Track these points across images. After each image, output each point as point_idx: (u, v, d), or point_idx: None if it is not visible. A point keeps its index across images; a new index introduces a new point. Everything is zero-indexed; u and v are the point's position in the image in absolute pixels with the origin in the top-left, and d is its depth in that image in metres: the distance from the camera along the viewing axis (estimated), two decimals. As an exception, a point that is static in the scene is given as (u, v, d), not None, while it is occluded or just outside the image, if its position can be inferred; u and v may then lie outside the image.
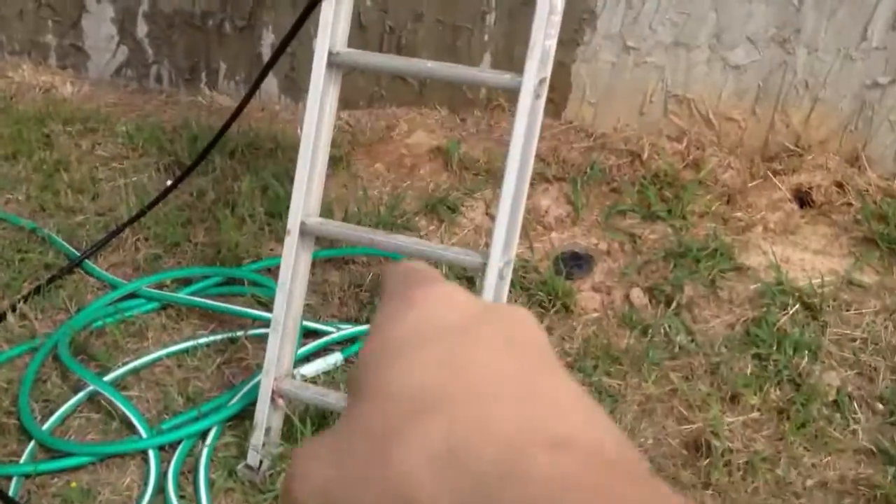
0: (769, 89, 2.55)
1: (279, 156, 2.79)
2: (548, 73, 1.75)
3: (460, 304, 0.31)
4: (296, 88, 3.08)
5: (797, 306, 2.10)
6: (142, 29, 3.23)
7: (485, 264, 1.70)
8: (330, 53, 1.83)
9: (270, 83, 3.12)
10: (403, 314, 0.30)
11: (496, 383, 0.28)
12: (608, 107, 2.72)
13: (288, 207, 2.48)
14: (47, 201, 2.50)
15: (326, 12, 1.83)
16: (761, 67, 2.54)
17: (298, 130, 3.06)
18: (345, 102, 2.97)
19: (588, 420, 0.28)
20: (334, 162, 2.65)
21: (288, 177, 2.68)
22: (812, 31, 2.45)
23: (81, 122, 2.94)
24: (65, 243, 2.32)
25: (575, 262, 2.39)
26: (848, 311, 2.10)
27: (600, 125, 2.73)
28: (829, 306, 2.10)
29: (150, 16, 3.21)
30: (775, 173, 2.55)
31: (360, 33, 2.84)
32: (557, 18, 1.70)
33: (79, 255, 2.26)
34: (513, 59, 2.67)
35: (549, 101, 2.70)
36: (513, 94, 1.77)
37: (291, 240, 1.77)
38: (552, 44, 1.74)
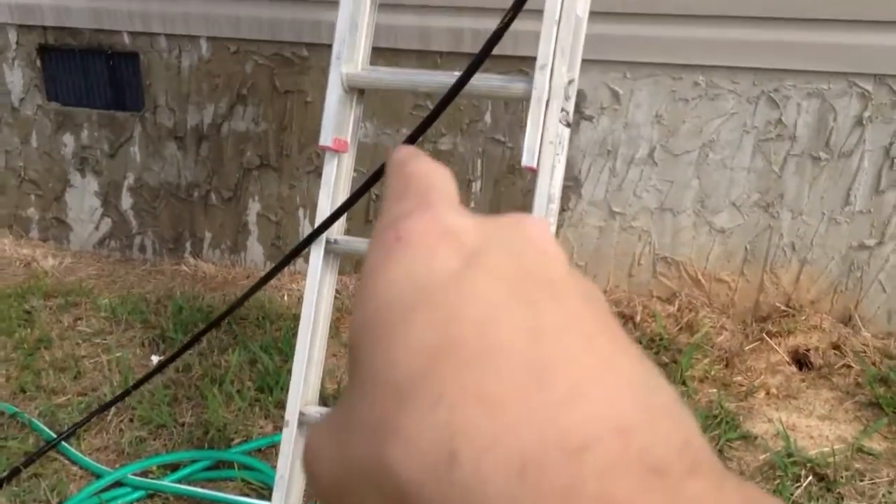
0: (756, 251, 2.56)
1: (267, 326, 2.72)
2: None
3: (455, 238, 0.25)
4: (281, 256, 3.05)
5: (810, 478, 2.02)
6: (126, 201, 3.21)
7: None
8: (328, 242, 1.81)
9: (256, 251, 3.09)
10: (389, 264, 0.24)
11: (500, 353, 0.22)
12: (597, 269, 2.70)
13: (278, 382, 2.41)
14: (28, 382, 2.39)
15: (323, 203, 1.81)
16: (747, 231, 2.55)
17: (285, 298, 3.01)
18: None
19: (630, 401, 0.21)
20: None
21: (276, 348, 2.61)
22: (795, 196, 2.48)
23: (63, 296, 2.87)
24: (45, 428, 2.21)
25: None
26: (862, 481, 2.03)
27: (590, 290, 2.71)
28: (842, 477, 2.03)
29: (135, 189, 3.19)
30: (771, 335, 2.52)
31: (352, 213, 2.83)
32: (555, 206, 1.68)
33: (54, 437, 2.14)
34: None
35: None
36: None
37: (290, 431, 1.68)
38: (552, 230, 1.72)
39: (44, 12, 3.16)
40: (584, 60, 2.40)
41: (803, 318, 2.53)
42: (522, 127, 2.65)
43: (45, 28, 3.19)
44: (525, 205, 2.65)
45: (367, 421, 0.23)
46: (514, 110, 2.66)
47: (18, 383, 2.40)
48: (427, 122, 1.72)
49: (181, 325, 2.71)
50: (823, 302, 2.54)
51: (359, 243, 1.88)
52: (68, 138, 3.26)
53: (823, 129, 2.40)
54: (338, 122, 1.75)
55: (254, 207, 3.03)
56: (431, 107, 2.68)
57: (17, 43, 3.25)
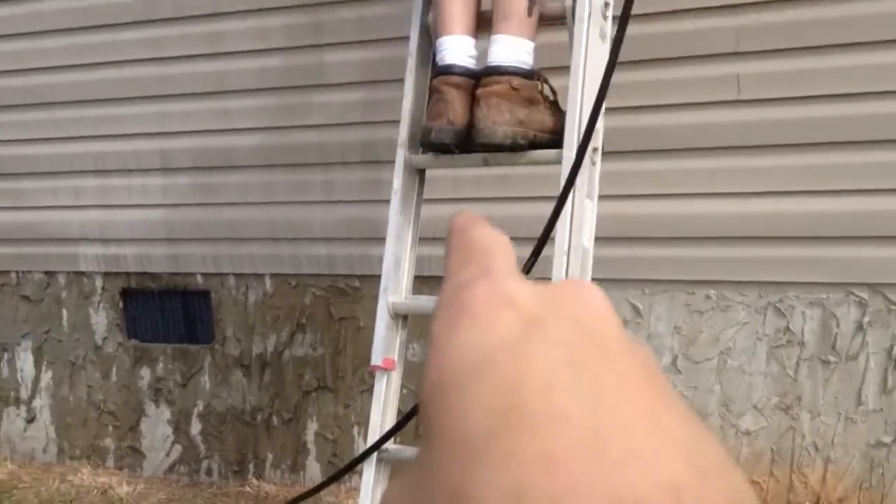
0: (782, 452, 2.76)
1: (325, 541, 2.94)
2: None
3: (515, 305, 0.27)
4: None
5: None
6: (195, 427, 3.53)
7: None
8: (378, 452, 2.08)
9: (314, 469, 3.34)
10: (456, 332, 0.27)
11: (562, 418, 0.24)
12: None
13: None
14: None
15: (374, 414, 2.11)
16: (771, 432, 2.77)
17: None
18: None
19: (681, 460, 0.23)
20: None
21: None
22: (811, 398, 2.72)
23: (137, 518, 3.12)
24: None
25: None
26: None
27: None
28: None
29: (203, 415, 3.51)
30: (803, 533, 2.68)
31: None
32: None
33: None
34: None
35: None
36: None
37: None
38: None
39: (128, 260, 3.62)
40: (605, 280, 2.75)
41: (834, 514, 2.70)
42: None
43: (128, 274, 3.64)
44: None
45: (442, 481, 0.24)
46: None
47: None
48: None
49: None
50: (851, 499, 2.71)
51: (408, 451, 2.16)
52: (145, 371, 3.63)
53: (828, 334, 2.67)
54: (386, 345, 2.08)
55: (311, 427, 3.32)
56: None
57: (102, 288, 3.70)
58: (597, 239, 2.81)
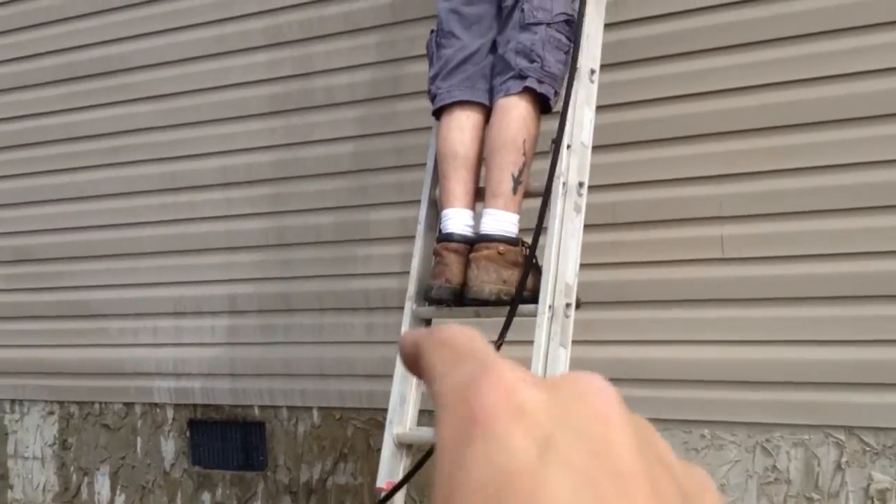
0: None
1: None
2: None
3: (528, 418, 0.28)
4: None
5: None
6: (248, 548, 4.00)
7: None
8: None
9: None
10: (468, 443, 0.27)
11: None
12: None
13: None
14: None
15: None
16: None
17: None
18: None
19: None
20: None
21: None
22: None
23: None
24: None
25: None
26: None
27: None
28: None
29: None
30: None
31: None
32: None
33: None
34: None
35: None
36: None
37: None
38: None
39: (195, 393, 4.19)
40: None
41: None
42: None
43: (195, 406, 4.21)
44: None
45: None
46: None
47: None
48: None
49: None
50: None
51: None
52: (206, 496, 4.14)
53: (811, 473, 3.02)
54: (390, 470, 2.55)
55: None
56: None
57: (172, 419, 4.27)
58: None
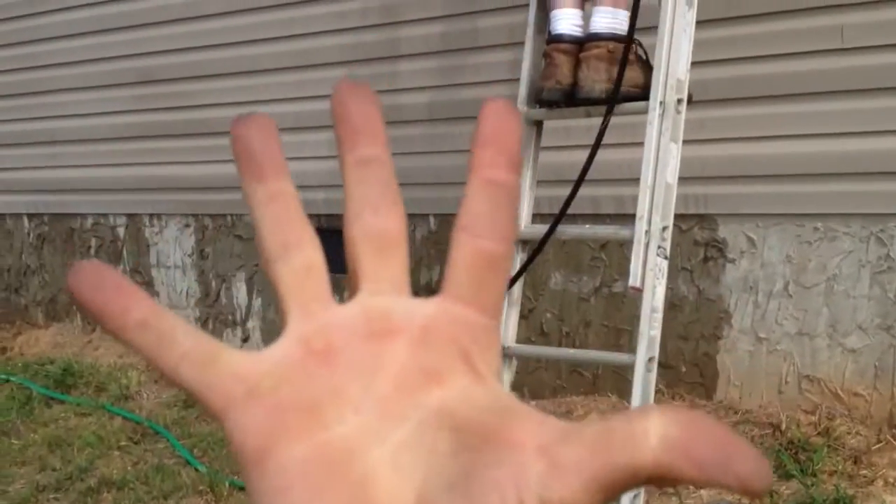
0: (885, 367, 3.28)
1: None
2: (655, 352, 2.57)
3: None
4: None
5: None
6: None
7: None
8: (504, 347, 2.82)
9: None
10: None
11: None
12: (752, 388, 3.51)
13: None
14: None
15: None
16: (874, 350, 3.28)
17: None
18: (533, 394, 3.94)
19: None
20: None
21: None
22: (910, 318, 3.21)
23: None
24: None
25: (722, 515, 3.09)
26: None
27: (745, 403, 3.51)
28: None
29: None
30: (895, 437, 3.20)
31: (543, 338, 3.86)
32: (658, 315, 2.60)
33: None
34: (667, 349, 3.57)
35: (700, 384, 3.56)
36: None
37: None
38: (657, 333, 2.58)
39: (319, 203, 4.54)
40: (723, 215, 3.38)
41: (931, 425, 3.20)
42: (679, 268, 3.60)
43: (319, 215, 4.56)
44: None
45: None
46: (674, 258, 3.60)
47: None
48: (543, 240, 2.73)
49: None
50: (949, 411, 3.20)
51: (522, 347, 2.88)
52: (336, 299, 4.55)
53: (924, 260, 3.16)
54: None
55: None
56: (605, 258, 3.70)
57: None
58: (715, 178, 3.43)
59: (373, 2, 4.24)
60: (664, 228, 2.61)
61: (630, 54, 2.71)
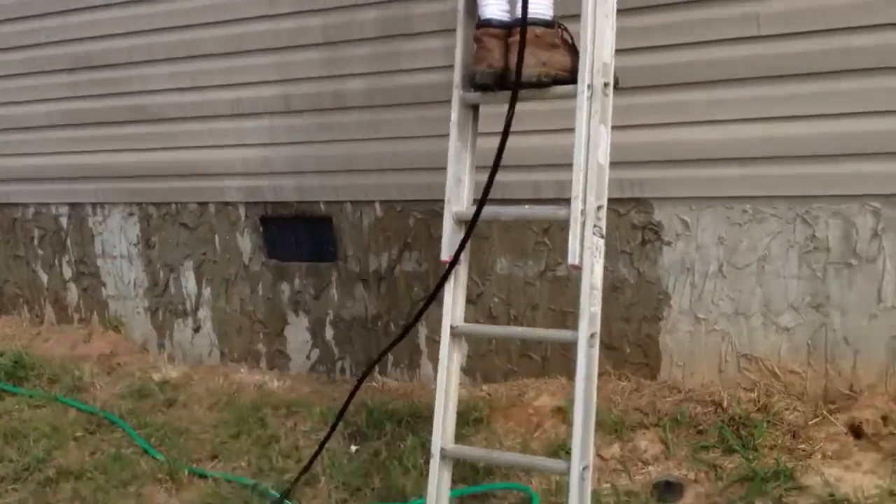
0: (817, 345, 3.44)
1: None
2: (597, 328, 2.69)
3: None
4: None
5: (848, 513, 2.90)
6: (329, 333, 4.52)
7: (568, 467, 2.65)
8: (452, 327, 2.93)
9: (427, 367, 4.27)
10: None
11: None
12: (693, 367, 3.66)
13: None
14: (264, 466, 3.67)
15: (447, 299, 2.94)
16: (807, 328, 3.44)
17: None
18: (485, 377, 4.07)
19: None
20: (476, 423, 3.70)
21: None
22: (839, 297, 3.36)
23: (286, 407, 4.16)
24: (273, 492, 3.45)
25: (668, 490, 3.25)
26: (885, 514, 2.88)
27: (688, 382, 3.67)
28: (872, 511, 2.89)
29: (335, 323, 4.50)
30: (832, 412, 3.37)
31: (492, 322, 3.99)
32: (598, 293, 2.69)
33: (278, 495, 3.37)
34: (611, 331, 3.71)
35: (645, 365, 3.71)
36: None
37: (434, 463, 2.81)
38: (597, 309, 2.69)
39: (264, 191, 4.59)
40: (658, 198, 3.49)
41: (863, 398, 3.38)
42: (618, 252, 3.72)
43: (265, 203, 4.62)
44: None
45: None
46: (613, 241, 3.73)
47: (257, 466, 3.69)
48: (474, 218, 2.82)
49: (373, 424, 3.90)
50: (879, 385, 3.36)
51: (471, 326, 3.00)
52: (285, 286, 4.64)
53: (849, 240, 3.30)
54: (451, 245, 2.90)
55: (423, 332, 4.24)
56: (548, 242, 3.80)
57: (245, 216, 4.70)
58: (648, 162, 3.54)
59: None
60: (599, 208, 2.69)
61: (556, 38, 2.79)
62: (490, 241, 4.01)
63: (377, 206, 4.28)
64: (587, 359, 2.68)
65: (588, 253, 2.68)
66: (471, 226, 2.87)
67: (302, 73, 4.34)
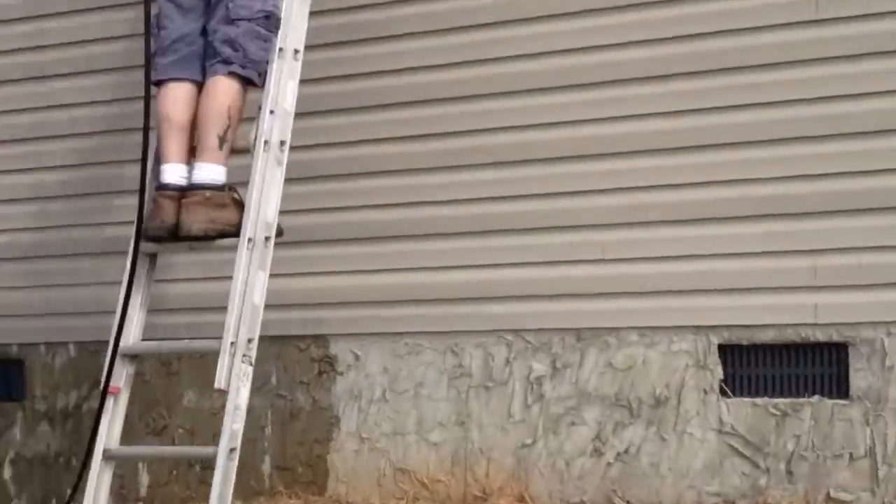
0: (459, 457, 4.15)
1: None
2: (237, 444, 3.23)
3: None
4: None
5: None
6: (7, 472, 4.66)
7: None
8: (104, 450, 3.40)
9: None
10: None
11: None
12: (356, 482, 4.23)
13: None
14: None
15: (102, 425, 3.43)
16: (452, 442, 4.16)
17: None
18: None
19: None
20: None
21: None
22: (478, 414, 4.14)
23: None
24: None
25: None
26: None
27: (352, 496, 4.22)
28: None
29: (14, 461, 4.66)
30: (474, 514, 4.06)
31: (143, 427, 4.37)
32: (241, 412, 3.23)
33: None
34: (286, 454, 4.22)
35: (313, 483, 4.25)
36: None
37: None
38: (239, 427, 3.23)
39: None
40: (334, 335, 4.18)
41: (492, 499, 4.10)
42: (297, 382, 4.33)
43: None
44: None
45: None
46: (293, 374, 4.33)
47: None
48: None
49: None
50: (507, 488, 4.11)
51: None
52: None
53: (488, 367, 4.13)
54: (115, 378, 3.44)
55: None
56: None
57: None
58: (327, 304, 4.25)
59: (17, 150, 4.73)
60: (250, 340, 3.27)
61: (227, 199, 3.42)
62: (179, 376, 4.47)
63: (71, 347, 4.63)
64: (224, 471, 3.19)
65: (235, 378, 3.21)
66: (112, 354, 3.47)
67: (5, 224, 4.74)
